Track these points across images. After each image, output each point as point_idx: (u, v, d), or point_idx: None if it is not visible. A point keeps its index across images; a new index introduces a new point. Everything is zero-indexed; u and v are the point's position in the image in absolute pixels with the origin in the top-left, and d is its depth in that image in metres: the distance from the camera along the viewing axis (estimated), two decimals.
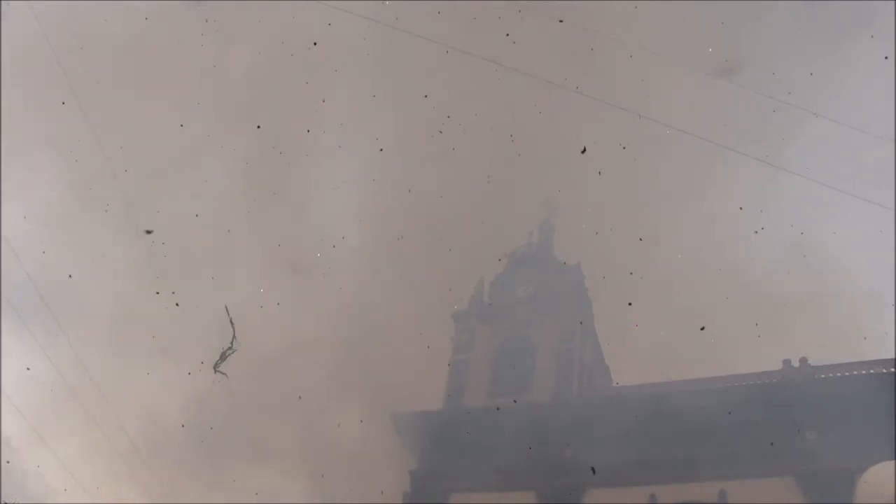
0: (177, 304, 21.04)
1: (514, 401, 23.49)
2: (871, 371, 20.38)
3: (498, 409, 23.41)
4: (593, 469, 19.77)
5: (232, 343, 12.94)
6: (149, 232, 19.91)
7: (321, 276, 27.61)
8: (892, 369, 19.62)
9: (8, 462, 24.33)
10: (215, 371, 12.93)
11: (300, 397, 23.06)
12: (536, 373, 24.30)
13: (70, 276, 24.73)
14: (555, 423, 22.56)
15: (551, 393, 23.61)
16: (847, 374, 20.73)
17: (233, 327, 13.03)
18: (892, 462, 15.27)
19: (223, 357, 12.96)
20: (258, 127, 24.56)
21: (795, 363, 21.55)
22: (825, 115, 19.45)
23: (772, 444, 20.20)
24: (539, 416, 22.80)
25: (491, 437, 22.80)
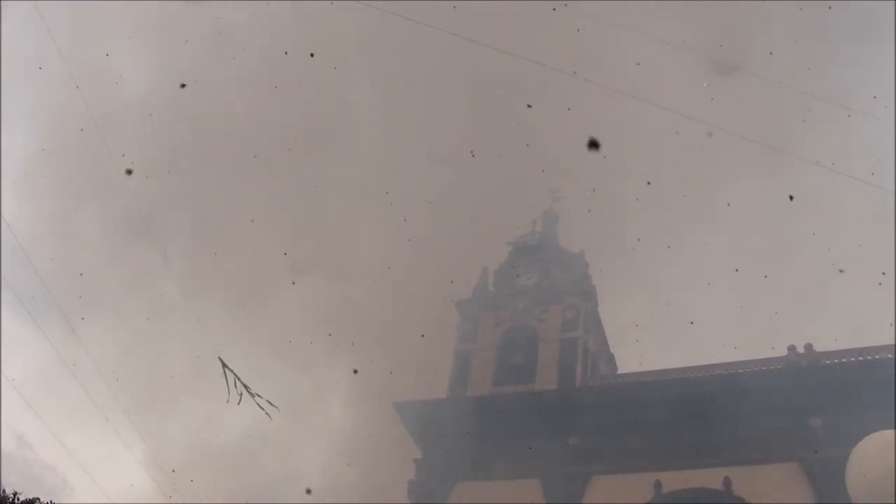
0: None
1: (519, 389, 23.48)
2: (877, 356, 20.28)
3: (502, 397, 23.42)
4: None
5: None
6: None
7: (326, 268, 27.69)
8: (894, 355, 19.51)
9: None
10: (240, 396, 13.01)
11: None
12: (540, 361, 24.23)
13: (81, 273, 24.88)
14: (559, 411, 22.54)
15: (555, 381, 23.54)
16: (852, 359, 20.63)
17: (236, 377, 13.10)
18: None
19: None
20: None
21: (801, 349, 21.50)
22: (829, 100, 19.39)
23: (776, 430, 20.15)
24: (543, 404, 22.78)
25: (495, 425, 22.81)
